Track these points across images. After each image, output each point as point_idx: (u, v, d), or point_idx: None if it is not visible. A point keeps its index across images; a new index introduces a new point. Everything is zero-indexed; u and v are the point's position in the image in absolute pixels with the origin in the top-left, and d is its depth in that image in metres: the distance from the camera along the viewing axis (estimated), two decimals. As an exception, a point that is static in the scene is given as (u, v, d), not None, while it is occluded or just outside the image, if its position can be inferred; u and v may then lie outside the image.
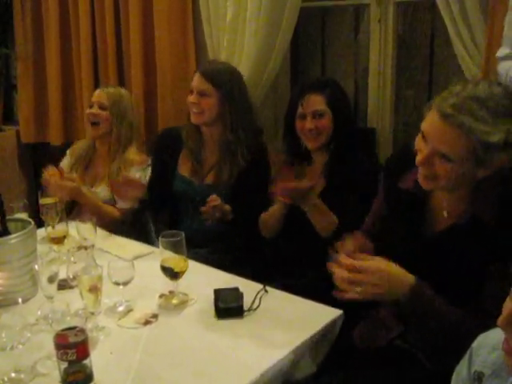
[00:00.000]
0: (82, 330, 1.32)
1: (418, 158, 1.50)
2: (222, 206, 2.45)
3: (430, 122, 1.45)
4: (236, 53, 3.04)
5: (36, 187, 4.15)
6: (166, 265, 1.75)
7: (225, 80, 2.57)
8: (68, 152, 3.11)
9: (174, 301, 1.81)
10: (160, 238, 1.76)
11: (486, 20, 2.31)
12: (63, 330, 1.32)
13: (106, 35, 3.60)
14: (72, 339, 1.30)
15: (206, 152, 2.70)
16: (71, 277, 1.74)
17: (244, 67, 2.96)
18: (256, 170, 2.56)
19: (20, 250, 1.77)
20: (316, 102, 2.32)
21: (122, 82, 3.58)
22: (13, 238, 1.75)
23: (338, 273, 1.49)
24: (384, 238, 1.73)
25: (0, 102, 4.58)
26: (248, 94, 2.69)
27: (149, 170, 2.83)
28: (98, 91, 2.97)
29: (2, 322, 1.51)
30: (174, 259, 1.76)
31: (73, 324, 1.35)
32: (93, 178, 2.94)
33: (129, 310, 1.75)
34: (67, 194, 2.56)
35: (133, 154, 2.86)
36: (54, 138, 4.00)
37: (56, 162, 3.01)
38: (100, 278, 1.58)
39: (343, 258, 1.50)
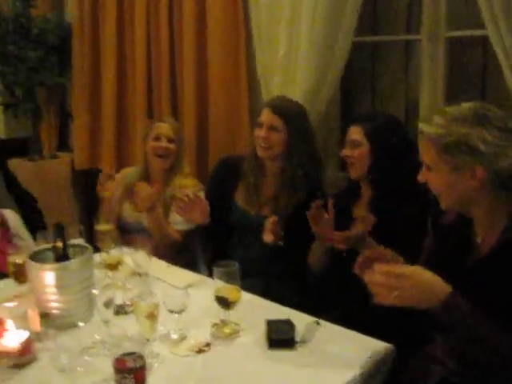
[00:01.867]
0: (141, 356, 1.36)
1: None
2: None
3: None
4: (288, 85, 3.10)
5: (88, 213, 4.26)
6: (220, 294, 1.78)
7: (294, 115, 2.62)
8: (117, 178, 3.16)
9: (227, 330, 1.82)
10: (214, 268, 1.79)
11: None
12: (122, 355, 1.35)
13: (161, 66, 3.72)
14: (131, 364, 1.34)
15: (265, 183, 2.72)
16: (127, 303, 1.78)
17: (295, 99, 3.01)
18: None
19: (78, 275, 1.82)
20: (354, 132, 2.36)
21: (174, 111, 3.68)
22: (72, 263, 1.80)
23: (374, 278, 1.51)
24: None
25: (56, 129, 4.74)
26: (313, 129, 2.73)
27: (202, 194, 2.85)
28: (163, 125, 2.98)
29: (61, 344, 1.56)
30: (227, 289, 1.78)
31: (131, 350, 1.39)
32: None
33: (182, 338, 1.77)
34: (149, 201, 2.67)
35: (184, 179, 2.93)
36: (107, 164, 4.12)
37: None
38: (157, 305, 1.61)
39: (378, 265, 1.52)
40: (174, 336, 1.77)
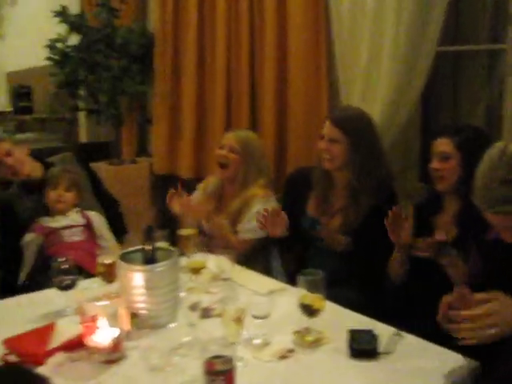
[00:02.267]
0: (230, 360, 1.38)
1: None
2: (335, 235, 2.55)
3: None
4: (369, 97, 3.09)
5: (164, 217, 4.35)
6: (305, 302, 1.79)
7: (355, 127, 2.60)
8: (199, 187, 3.22)
9: (309, 338, 1.83)
10: (299, 276, 1.81)
11: None
12: (212, 358, 1.38)
13: (240, 76, 3.77)
14: (220, 367, 1.36)
15: (334, 195, 2.73)
16: (212, 307, 1.82)
17: (376, 111, 3.00)
18: (381, 216, 2.56)
19: (165, 278, 1.87)
20: (443, 144, 2.32)
21: (253, 122, 3.73)
22: (160, 266, 1.86)
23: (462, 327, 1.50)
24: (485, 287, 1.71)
25: (136, 135, 4.89)
26: (378, 139, 2.70)
27: (271, 203, 2.86)
28: (229, 134, 3.04)
29: (149, 344, 1.62)
30: (311, 297, 1.79)
31: (217, 352, 1.42)
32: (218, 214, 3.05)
33: (265, 344, 1.79)
34: (201, 216, 2.69)
35: (256, 189, 2.93)
36: (185, 171, 4.21)
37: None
38: (244, 310, 1.64)
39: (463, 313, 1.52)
40: (257, 341, 1.80)
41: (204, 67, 4.10)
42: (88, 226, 2.91)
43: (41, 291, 2.27)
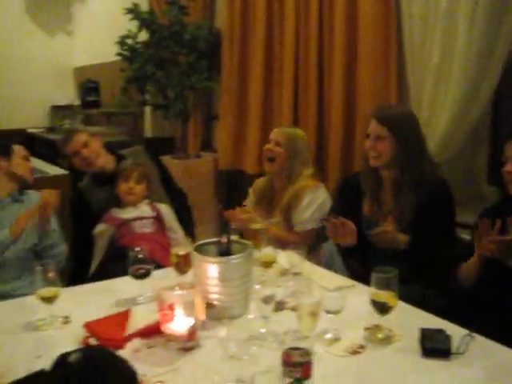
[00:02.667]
0: (308, 352, 1.41)
1: None
2: (395, 234, 2.51)
3: None
4: (439, 97, 3.06)
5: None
6: (377, 299, 1.79)
7: (399, 123, 2.61)
8: (250, 191, 3.29)
9: (380, 335, 1.84)
10: (373, 273, 1.81)
11: None
12: (290, 349, 1.41)
13: (308, 73, 3.79)
14: (299, 359, 1.39)
15: (385, 193, 2.73)
16: (285, 300, 1.85)
17: (447, 111, 2.97)
18: (436, 205, 2.55)
19: (239, 270, 1.90)
20: None
21: (320, 122, 3.74)
22: (235, 259, 1.90)
23: None
24: None
25: (201, 130, 4.97)
26: (422, 135, 2.70)
27: (321, 193, 2.99)
28: (275, 130, 3.18)
29: (225, 334, 1.66)
30: (384, 294, 1.79)
31: (292, 345, 1.44)
32: (272, 211, 3.11)
33: (336, 339, 1.80)
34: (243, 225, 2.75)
35: (304, 180, 3.02)
36: (250, 166, 4.25)
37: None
38: (320, 304, 1.67)
39: None
40: (329, 336, 1.81)
41: (271, 64, 4.13)
42: (158, 218, 2.98)
43: (115, 279, 2.34)
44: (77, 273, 2.99)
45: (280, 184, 3.11)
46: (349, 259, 3.05)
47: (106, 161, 3.14)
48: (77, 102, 7.77)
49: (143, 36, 4.88)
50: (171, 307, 1.69)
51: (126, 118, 6.24)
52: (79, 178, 3.24)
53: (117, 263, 2.71)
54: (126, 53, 4.74)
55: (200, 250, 1.96)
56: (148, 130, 6.13)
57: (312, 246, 2.99)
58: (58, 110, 8.08)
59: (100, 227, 2.93)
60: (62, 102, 8.07)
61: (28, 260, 2.73)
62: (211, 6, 5.08)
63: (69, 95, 8.25)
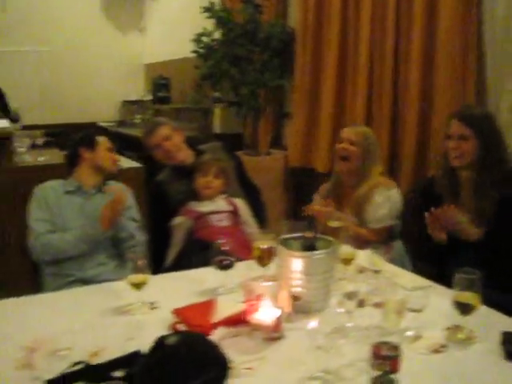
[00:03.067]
0: (396, 347, 1.44)
1: None
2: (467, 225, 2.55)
3: None
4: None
5: (295, 209, 4.48)
6: (460, 300, 1.81)
7: (482, 124, 2.64)
8: (315, 196, 3.30)
9: (461, 335, 1.85)
10: (456, 275, 1.83)
11: None
12: (379, 343, 1.45)
13: (383, 72, 3.80)
14: (388, 352, 1.42)
15: (464, 193, 2.73)
16: (366, 297, 1.88)
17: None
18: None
19: (323, 265, 1.95)
20: None
21: (394, 121, 3.74)
22: (319, 254, 1.94)
23: None
24: None
25: (272, 128, 5.04)
26: (502, 134, 2.71)
27: (394, 191, 3.02)
28: (346, 128, 3.21)
29: (310, 326, 1.70)
30: (466, 295, 1.81)
31: (378, 340, 1.48)
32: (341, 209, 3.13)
33: (418, 337, 1.83)
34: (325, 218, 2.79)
35: (377, 178, 3.06)
36: (320, 165, 4.29)
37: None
38: (405, 302, 1.70)
39: None
40: (410, 333, 1.84)
41: (345, 63, 4.15)
42: (234, 213, 3.05)
43: (198, 269, 2.42)
44: (152, 264, 3.09)
45: (350, 182, 3.14)
46: (421, 260, 3.07)
47: (185, 155, 3.23)
48: (147, 98, 7.96)
49: (217, 34, 4.98)
50: (258, 298, 1.75)
51: (196, 113, 6.35)
52: (156, 171, 3.34)
53: (194, 255, 2.82)
54: (201, 50, 4.85)
55: (285, 244, 2.02)
56: (216, 126, 6.23)
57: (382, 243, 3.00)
58: (129, 105, 8.30)
59: (178, 220, 3.01)
60: (133, 97, 8.30)
61: (109, 248, 2.85)
62: (284, 5, 5.13)
63: (139, 91, 8.47)
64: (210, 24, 5.00)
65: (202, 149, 3.34)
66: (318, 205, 2.99)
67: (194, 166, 3.15)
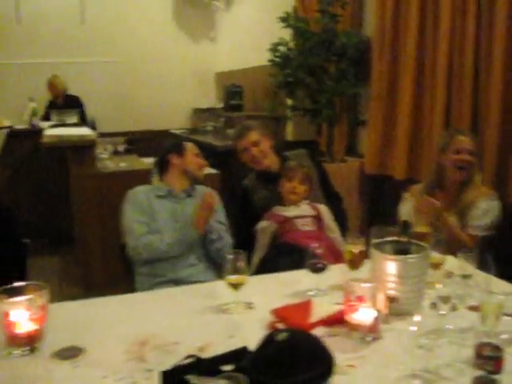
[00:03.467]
0: (500, 348, 1.49)
1: None
2: None
3: None
4: None
5: (373, 216, 4.52)
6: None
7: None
8: (406, 195, 3.34)
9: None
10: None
11: None
12: (482, 343, 1.50)
13: (463, 79, 3.80)
14: (492, 353, 1.47)
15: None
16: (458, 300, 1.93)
17: None
18: None
19: (416, 269, 2.00)
20: None
21: (474, 126, 3.73)
22: (413, 258, 2.00)
23: None
24: None
25: (346, 135, 5.09)
26: None
27: (496, 202, 3.06)
28: (465, 138, 3.17)
29: (402, 328, 1.77)
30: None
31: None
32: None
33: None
34: (432, 212, 2.85)
35: (479, 185, 3.13)
36: (398, 172, 4.31)
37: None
38: (502, 305, 1.74)
39: None
40: (505, 336, 1.87)
41: (423, 70, 4.17)
42: (317, 218, 3.12)
43: (290, 272, 2.50)
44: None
45: (454, 188, 3.16)
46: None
47: (271, 161, 3.33)
48: (218, 105, 8.13)
49: (292, 43, 5.08)
50: (359, 298, 1.82)
51: (268, 121, 6.46)
52: (245, 175, 3.45)
53: (281, 258, 2.90)
54: (277, 59, 4.95)
55: (378, 247, 2.08)
56: (289, 134, 6.33)
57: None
58: (200, 113, 8.49)
59: (263, 224, 3.10)
60: (204, 105, 8.49)
61: (199, 249, 2.98)
62: (360, 13, 5.18)
63: (210, 98, 8.67)
64: (284, 33, 5.10)
65: (287, 155, 3.43)
66: (425, 200, 3.02)
67: (279, 172, 3.25)
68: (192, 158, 3.15)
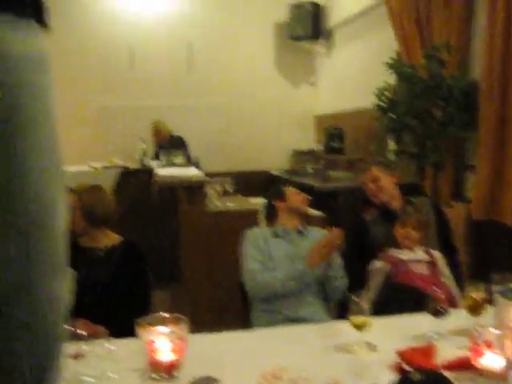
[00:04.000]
0: None
1: None
2: None
3: None
4: None
5: (483, 264, 4.46)
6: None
7: None
8: None
9: None
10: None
11: None
12: None
13: None
14: None
15: None
16: None
17: None
18: None
19: None
20: None
21: None
22: None
23: None
24: None
25: (452, 180, 5.07)
26: None
27: None
28: None
29: None
30: None
31: None
32: None
33: None
34: None
35: None
36: (509, 217, 4.24)
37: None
38: None
39: None
40: None
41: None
42: (431, 263, 3.15)
43: (410, 314, 2.55)
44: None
45: None
46: None
47: (390, 198, 3.43)
48: (317, 148, 8.27)
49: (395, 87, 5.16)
50: (486, 344, 1.85)
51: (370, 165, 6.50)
52: (367, 210, 3.55)
53: (394, 300, 2.95)
54: (383, 104, 5.03)
55: (503, 294, 2.11)
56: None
57: None
58: (300, 155, 8.65)
59: (378, 264, 3.15)
60: (303, 147, 8.65)
61: (316, 287, 3.07)
62: (467, 57, 5.17)
63: (309, 141, 8.83)
64: (386, 77, 5.18)
65: (412, 200, 3.48)
66: None
67: (397, 213, 3.32)
68: (294, 196, 3.31)
